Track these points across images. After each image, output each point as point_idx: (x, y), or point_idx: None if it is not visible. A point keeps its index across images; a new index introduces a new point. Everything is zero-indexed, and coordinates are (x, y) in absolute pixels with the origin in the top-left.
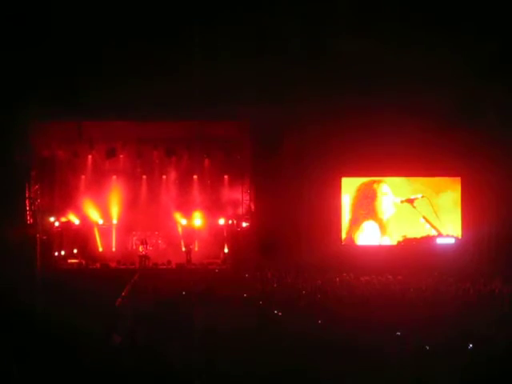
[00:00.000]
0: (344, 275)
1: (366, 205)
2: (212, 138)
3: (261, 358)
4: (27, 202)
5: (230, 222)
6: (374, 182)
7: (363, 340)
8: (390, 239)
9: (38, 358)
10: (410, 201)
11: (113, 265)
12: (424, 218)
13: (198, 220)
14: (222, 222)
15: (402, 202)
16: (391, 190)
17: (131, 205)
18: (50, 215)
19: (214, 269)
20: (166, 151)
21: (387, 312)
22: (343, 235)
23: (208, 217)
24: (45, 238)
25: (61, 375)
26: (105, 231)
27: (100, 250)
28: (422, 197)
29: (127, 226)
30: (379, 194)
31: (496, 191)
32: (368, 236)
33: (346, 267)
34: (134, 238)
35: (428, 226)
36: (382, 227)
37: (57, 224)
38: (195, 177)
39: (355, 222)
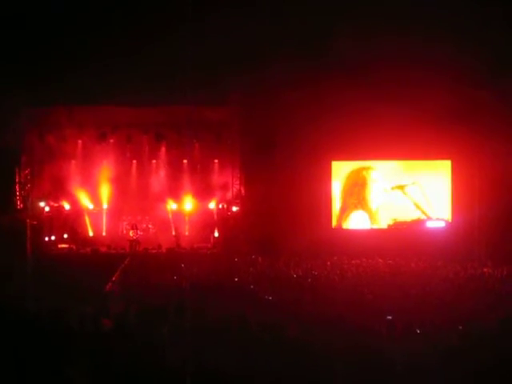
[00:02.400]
0: (335, 259)
1: (357, 192)
2: (202, 123)
3: (252, 343)
4: (17, 187)
5: (221, 206)
6: (364, 168)
7: (353, 324)
8: (380, 226)
9: (27, 343)
10: (401, 187)
11: (103, 249)
12: (415, 204)
13: (188, 204)
14: (212, 206)
15: (392, 188)
16: (381, 177)
17: (121, 190)
18: (41, 200)
19: (205, 253)
20: (156, 136)
21: (378, 295)
22: (334, 223)
23: (198, 201)
24: (35, 223)
25: (50, 360)
26: (95, 216)
27: (90, 234)
28: (413, 183)
29: (117, 211)
30: (369, 181)
31: (486, 174)
32: (358, 224)
33: (337, 251)
34: (125, 223)
35: (419, 212)
36: (373, 215)
37: (47, 209)
38: (185, 161)
39: (345, 210)
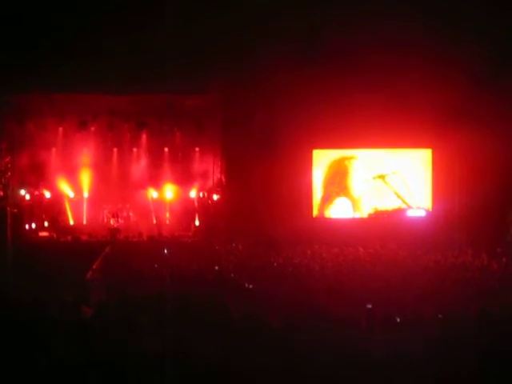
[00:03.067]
0: (316, 248)
1: (338, 182)
2: (183, 112)
3: (232, 333)
4: None
5: (201, 194)
6: (346, 158)
7: (334, 312)
8: (362, 215)
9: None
10: (382, 177)
11: (84, 238)
12: (396, 194)
13: (169, 193)
14: (193, 194)
15: (373, 178)
16: (362, 167)
17: (102, 178)
18: (21, 188)
19: (185, 241)
20: (137, 124)
21: (358, 284)
22: (315, 212)
23: (179, 189)
24: (15, 211)
25: (29, 348)
26: (76, 204)
27: (71, 223)
28: (394, 172)
29: (98, 199)
30: (350, 171)
31: (467, 163)
32: (341, 212)
33: (318, 240)
34: (105, 211)
35: (400, 201)
36: (354, 204)
37: (27, 197)
38: (166, 150)
39: (327, 199)
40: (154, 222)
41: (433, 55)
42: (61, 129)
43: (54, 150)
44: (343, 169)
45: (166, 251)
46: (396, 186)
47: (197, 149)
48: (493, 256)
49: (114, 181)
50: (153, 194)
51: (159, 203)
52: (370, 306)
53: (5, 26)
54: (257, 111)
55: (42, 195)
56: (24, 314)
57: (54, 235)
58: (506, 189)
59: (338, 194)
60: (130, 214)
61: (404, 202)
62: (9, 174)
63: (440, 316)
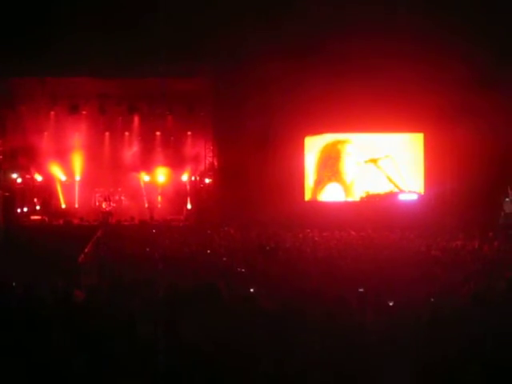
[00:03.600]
0: (307, 231)
1: (331, 166)
2: (175, 95)
3: (224, 318)
4: None
5: (193, 178)
6: (339, 142)
7: (325, 296)
8: (353, 199)
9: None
10: (374, 161)
11: (76, 221)
12: (388, 177)
13: (161, 176)
14: (185, 178)
15: (366, 162)
16: (355, 150)
17: (94, 161)
18: (13, 172)
19: (177, 225)
20: (129, 108)
21: (350, 268)
22: (307, 196)
23: (171, 173)
24: (7, 194)
25: (21, 333)
26: (68, 188)
27: (63, 206)
28: (386, 156)
29: (90, 183)
30: (343, 155)
31: (459, 147)
32: (332, 197)
33: (310, 224)
34: (97, 195)
35: (392, 185)
36: (346, 188)
37: (19, 180)
38: (158, 133)
39: (319, 183)
40: (146, 205)
41: (426, 41)
42: (52, 112)
43: (45, 133)
44: (336, 152)
45: (154, 231)
46: (388, 169)
47: (189, 133)
48: (484, 240)
49: (106, 164)
50: (145, 177)
51: (151, 187)
52: (361, 290)
53: None
54: (249, 95)
55: (34, 179)
56: (15, 299)
57: (46, 219)
58: (498, 172)
59: (330, 178)
60: (122, 197)
61: (396, 185)
62: (0, 157)
63: (432, 299)
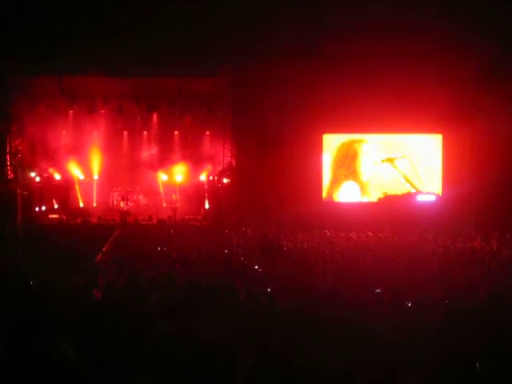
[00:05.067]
0: (325, 232)
1: (347, 165)
2: (194, 95)
3: (243, 316)
4: (8, 156)
5: (211, 178)
6: (355, 141)
7: (343, 297)
8: (370, 199)
9: (19, 314)
10: (391, 160)
11: (94, 220)
12: (404, 177)
13: (179, 176)
14: (203, 178)
15: (382, 161)
16: (372, 150)
17: (112, 161)
18: (31, 170)
19: (195, 225)
20: (148, 107)
21: (367, 269)
22: (324, 194)
23: (189, 173)
24: (26, 193)
25: (41, 331)
26: (86, 187)
27: (81, 205)
28: (403, 156)
29: (108, 182)
30: (360, 154)
31: (477, 149)
32: (348, 196)
33: (327, 224)
34: (115, 194)
35: (408, 185)
36: (362, 187)
37: (38, 179)
38: (176, 133)
39: (336, 182)
40: (164, 205)
41: (444, 41)
42: (71, 111)
43: (64, 132)
44: (353, 151)
45: (172, 232)
46: (405, 169)
47: (207, 132)
48: (502, 241)
49: (124, 163)
50: (163, 177)
51: (169, 186)
52: (379, 291)
53: (15, 11)
54: (267, 95)
55: (52, 177)
56: (35, 297)
57: (64, 217)
58: None
59: (347, 176)
60: (140, 196)
61: (413, 185)
62: (19, 156)
63: (447, 301)
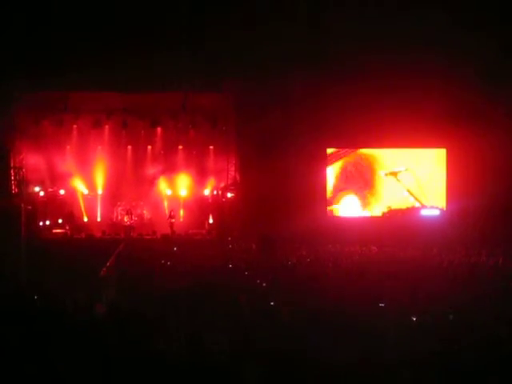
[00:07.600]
0: (329, 246)
1: (350, 178)
2: (198, 109)
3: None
4: (12, 171)
5: (216, 192)
6: (359, 154)
7: (347, 311)
8: (371, 212)
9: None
10: (394, 174)
11: (98, 235)
12: (408, 191)
13: (183, 190)
14: (207, 192)
15: (386, 175)
16: (375, 163)
17: (116, 175)
18: (35, 185)
19: (199, 239)
20: (152, 122)
21: (371, 283)
22: (328, 209)
23: (193, 187)
24: (30, 207)
25: (44, 345)
26: (90, 201)
27: (85, 220)
28: (406, 170)
29: (112, 197)
30: (363, 168)
31: (481, 163)
32: (350, 209)
33: (331, 238)
34: (119, 209)
35: (412, 198)
36: (365, 200)
37: (42, 194)
38: (180, 147)
39: (337, 195)
40: (168, 219)
41: (446, 56)
42: (75, 126)
43: (68, 147)
44: (355, 166)
45: (175, 249)
46: (408, 183)
47: (211, 147)
48: (507, 256)
49: (128, 178)
50: (167, 191)
51: (173, 201)
52: (382, 305)
53: (21, 27)
54: (271, 110)
55: (57, 192)
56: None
57: (68, 232)
58: None
59: (349, 191)
60: (144, 211)
61: (416, 199)
62: (23, 170)
63: (451, 317)
